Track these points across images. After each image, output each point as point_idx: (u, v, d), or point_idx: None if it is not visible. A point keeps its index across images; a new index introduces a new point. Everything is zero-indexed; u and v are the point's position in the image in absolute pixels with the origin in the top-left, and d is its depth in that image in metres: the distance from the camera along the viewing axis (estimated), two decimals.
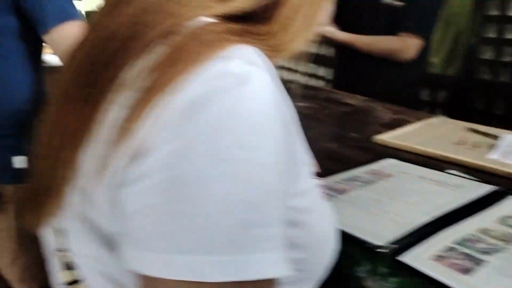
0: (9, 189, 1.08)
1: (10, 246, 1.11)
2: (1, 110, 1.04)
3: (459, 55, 2.47)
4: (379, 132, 1.18)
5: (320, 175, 0.49)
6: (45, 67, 1.14)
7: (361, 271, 0.60)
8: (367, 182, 0.84)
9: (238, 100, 0.32)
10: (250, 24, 0.40)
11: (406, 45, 1.72)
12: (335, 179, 0.87)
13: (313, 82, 3.17)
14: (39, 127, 0.44)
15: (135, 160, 0.32)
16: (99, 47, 0.38)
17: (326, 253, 0.46)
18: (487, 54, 2.32)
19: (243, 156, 0.32)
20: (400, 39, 1.72)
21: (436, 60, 2.46)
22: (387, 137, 1.13)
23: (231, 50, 0.35)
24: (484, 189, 0.82)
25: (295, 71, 2.93)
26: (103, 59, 0.37)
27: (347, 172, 0.90)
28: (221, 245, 0.32)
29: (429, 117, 1.36)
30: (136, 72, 0.35)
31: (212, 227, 0.31)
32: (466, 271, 0.58)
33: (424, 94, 2.42)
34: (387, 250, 0.63)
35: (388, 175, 0.88)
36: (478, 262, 0.60)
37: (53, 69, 1.16)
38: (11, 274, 1.14)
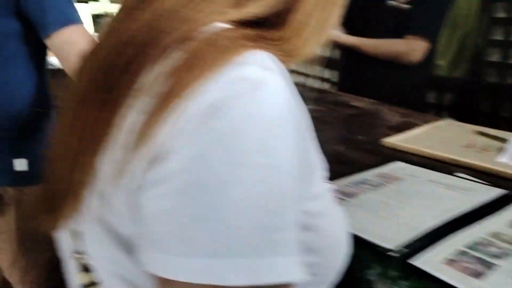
0: (9, 192, 1.08)
1: (11, 248, 1.11)
2: (2, 113, 1.04)
3: (466, 58, 2.46)
4: (387, 135, 1.18)
5: (329, 178, 0.49)
6: (49, 70, 1.14)
7: (372, 274, 0.60)
8: (376, 186, 0.84)
9: (254, 105, 0.33)
10: (263, 29, 0.40)
11: (412, 48, 1.72)
12: (344, 182, 0.87)
13: (317, 84, 3.18)
14: (54, 130, 0.45)
15: (153, 164, 0.33)
16: (116, 53, 0.39)
17: (339, 257, 0.47)
18: (494, 56, 2.31)
19: (260, 160, 0.32)
20: (406, 42, 1.72)
21: (442, 63, 2.46)
22: (395, 140, 1.13)
23: (246, 56, 0.35)
24: (494, 192, 0.81)
25: (300, 73, 2.93)
26: (120, 64, 0.38)
27: (355, 175, 0.90)
28: (239, 249, 0.32)
29: (436, 120, 1.36)
30: (153, 77, 0.35)
31: (230, 231, 0.32)
32: (477, 275, 0.58)
33: (431, 97, 2.41)
34: (397, 254, 0.63)
35: (397, 179, 0.88)
36: (489, 266, 0.60)
37: (58, 71, 1.16)
38: (11, 277, 1.15)
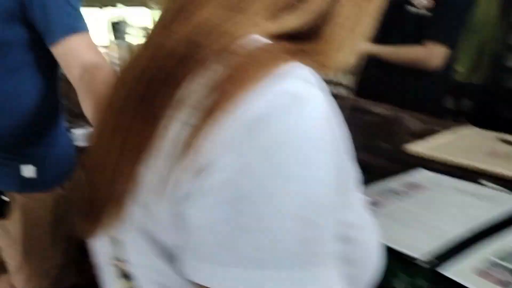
0: (17, 197, 1.08)
1: (17, 254, 1.12)
2: (11, 120, 1.04)
3: (485, 63, 2.44)
4: (408, 142, 1.17)
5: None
6: (61, 76, 1.12)
7: (399, 283, 0.60)
8: (401, 194, 0.84)
9: (297, 119, 0.33)
10: (298, 42, 0.41)
11: (432, 54, 1.71)
12: (369, 191, 0.87)
13: (331, 89, 3.16)
14: (91, 139, 0.46)
15: (198, 175, 0.33)
16: (156, 65, 0.39)
17: (372, 268, 0.47)
18: None
19: (304, 173, 0.33)
20: (426, 48, 1.71)
21: (461, 68, 2.44)
22: (418, 148, 1.13)
23: (286, 69, 0.36)
24: None
25: None
26: (161, 76, 0.38)
27: (380, 184, 0.90)
28: (282, 260, 0.32)
29: (456, 126, 1.35)
30: (194, 89, 0.36)
31: (273, 242, 0.32)
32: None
33: (449, 102, 2.40)
34: (426, 263, 0.63)
35: (423, 187, 0.88)
36: None
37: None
38: (17, 282, 1.16)
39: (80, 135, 1.24)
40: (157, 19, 0.46)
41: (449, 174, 0.95)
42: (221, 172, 0.33)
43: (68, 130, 1.19)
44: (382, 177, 0.93)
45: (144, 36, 0.46)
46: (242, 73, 0.35)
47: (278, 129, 0.33)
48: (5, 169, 1.07)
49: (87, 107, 0.98)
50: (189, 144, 0.34)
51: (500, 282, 0.59)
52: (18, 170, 1.07)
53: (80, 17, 1.02)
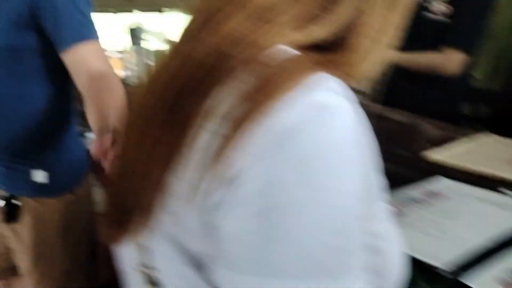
0: (28, 202, 1.09)
1: (28, 257, 1.13)
2: (21, 125, 1.05)
3: (503, 69, 2.42)
4: (427, 149, 1.17)
5: None
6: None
7: None
8: (422, 203, 0.84)
9: (327, 130, 0.34)
10: (324, 52, 0.41)
11: (450, 60, 1.70)
12: (390, 199, 0.86)
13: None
14: (116, 148, 0.47)
15: (229, 185, 0.34)
16: (185, 75, 0.40)
17: (396, 277, 0.47)
18: None
19: (333, 184, 0.33)
20: (444, 55, 1.70)
21: (479, 75, 2.42)
22: (437, 155, 1.12)
23: (315, 80, 0.36)
24: None
25: None
26: (189, 86, 0.39)
27: (400, 192, 0.90)
28: (311, 271, 0.33)
29: (474, 133, 1.34)
30: (223, 99, 0.36)
31: (303, 253, 0.33)
32: None
33: (466, 109, 2.37)
34: (447, 272, 0.62)
35: (443, 196, 0.88)
36: None
37: None
38: (27, 286, 1.17)
39: (93, 140, 1.25)
40: (182, 27, 0.47)
41: (468, 182, 0.94)
42: (252, 183, 0.33)
43: (81, 134, 1.20)
44: (401, 185, 0.93)
45: (168, 44, 0.46)
46: (271, 84, 0.35)
47: (308, 140, 0.33)
48: (16, 174, 1.08)
49: (91, 115, 0.99)
50: (219, 154, 0.34)
51: None
52: (29, 175, 1.08)
53: (90, 24, 1.02)
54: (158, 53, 2.22)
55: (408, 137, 1.36)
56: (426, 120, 1.49)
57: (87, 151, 1.15)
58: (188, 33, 0.44)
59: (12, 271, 1.21)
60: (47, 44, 1.00)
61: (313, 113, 0.34)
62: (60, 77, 1.05)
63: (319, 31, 0.41)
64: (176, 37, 0.47)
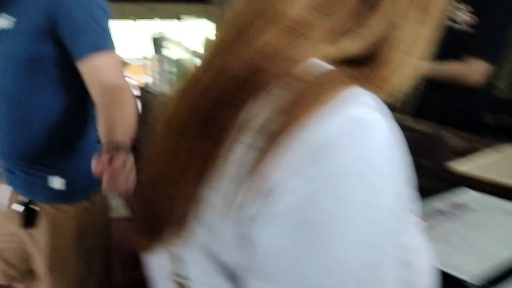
0: (45, 208, 1.12)
1: (43, 262, 1.15)
2: (41, 133, 1.07)
3: None
4: (450, 160, 1.16)
5: None
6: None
7: None
8: (448, 215, 0.83)
9: (363, 145, 0.34)
10: (356, 66, 0.42)
11: (473, 70, 1.69)
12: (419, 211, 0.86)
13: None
14: (147, 158, 0.47)
15: (265, 199, 0.34)
16: (218, 88, 0.41)
17: None
18: None
19: (369, 199, 0.34)
20: (467, 64, 1.69)
21: (502, 84, 2.39)
22: (462, 166, 1.11)
23: (350, 94, 0.36)
24: None
25: None
26: (223, 99, 0.40)
27: (425, 204, 0.89)
28: (346, 284, 0.33)
29: (498, 144, 1.32)
30: (257, 112, 0.37)
31: (338, 267, 0.33)
32: None
33: (490, 119, 2.34)
34: (476, 286, 0.62)
35: (469, 208, 0.87)
36: None
37: None
38: None
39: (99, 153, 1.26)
40: (213, 39, 0.47)
41: (494, 194, 0.93)
42: (288, 197, 0.34)
43: (98, 141, 1.22)
44: (426, 196, 0.92)
45: (194, 55, 0.47)
46: (306, 98, 0.36)
47: (344, 155, 0.34)
48: (35, 180, 1.11)
49: (100, 127, 1.00)
50: (255, 167, 0.35)
51: None
52: (46, 181, 1.10)
53: (106, 35, 1.04)
54: (179, 62, 2.24)
55: (431, 147, 1.35)
56: (449, 130, 1.48)
57: None
58: (220, 46, 0.45)
59: (31, 274, 1.23)
60: (65, 53, 1.02)
61: (349, 127, 0.34)
62: (78, 86, 1.07)
63: (351, 45, 0.42)
64: (205, 48, 0.48)
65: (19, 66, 1.04)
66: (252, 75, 0.39)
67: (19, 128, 1.07)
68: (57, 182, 1.11)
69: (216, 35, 0.48)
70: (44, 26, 1.01)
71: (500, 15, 1.68)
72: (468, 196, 0.94)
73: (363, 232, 0.33)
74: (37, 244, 1.15)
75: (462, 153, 1.22)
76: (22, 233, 1.15)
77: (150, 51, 2.37)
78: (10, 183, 1.16)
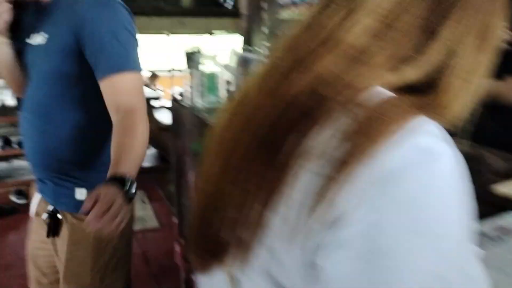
0: (68, 217, 1.14)
1: (62, 272, 1.17)
2: (69, 146, 1.11)
3: None
4: (493, 182, 1.13)
5: None
6: None
7: None
8: (495, 240, 0.81)
9: (430, 175, 0.34)
10: (416, 93, 0.41)
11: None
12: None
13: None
14: (201, 177, 0.48)
15: (332, 227, 0.35)
16: (279, 113, 0.41)
17: None
18: None
19: (437, 230, 0.33)
20: (508, 83, 1.65)
21: None
22: (506, 188, 1.08)
23: (415, 123, 0.36)
24: None
25: None
26: (285, 125, 0.40)
27: None
28: None
29: None
30: (324, 140, 0.37)
31: None
32: None
33: None
34: None
35: None
36: None
37: None
38: None
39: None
40: (266, 64, 0.48)
41: None
42: (355, 226, 0.34)
43: None
44: None
45: (249, 80, 0.48)
46: (373, 127, 0.36)
47: (413, 185, 0.33)
48: (62, 190, 1.14)
49: (112, 143, 1.02)
50: (322, 194, 0.35)
51: None
52: (73, 192, 1.13)
53: (129, 56, 1.05)
54: (212, 76, 2.27)
55: (473, 169, 1.32)
56: (489, 150, 1.44)
57: None
58: (277, 71, 0.45)
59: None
60: (91, 71, 1.05)
61: (417, 157, 0.34)
62: (104, 103, 1.08)
63: (411, 72, 0.42)
64: (256, 71, 0.48)
65: (51, 82, 1.08)
66: (316, 102, 0.39)
67: (49, 140, 1.11)
68: (81, 194, 1.14)
69: (270, 59, 0.48)
70: (71, 44, 1.05)
71: None
72: None
73: (432, 263, 0.33)
74: (57, 253, 1.18)
75: (505, 175, 1.19)
76: (49, 242, 1.19)
77: (183, 65, 2.41)
78: (41, 191, 1.21)
